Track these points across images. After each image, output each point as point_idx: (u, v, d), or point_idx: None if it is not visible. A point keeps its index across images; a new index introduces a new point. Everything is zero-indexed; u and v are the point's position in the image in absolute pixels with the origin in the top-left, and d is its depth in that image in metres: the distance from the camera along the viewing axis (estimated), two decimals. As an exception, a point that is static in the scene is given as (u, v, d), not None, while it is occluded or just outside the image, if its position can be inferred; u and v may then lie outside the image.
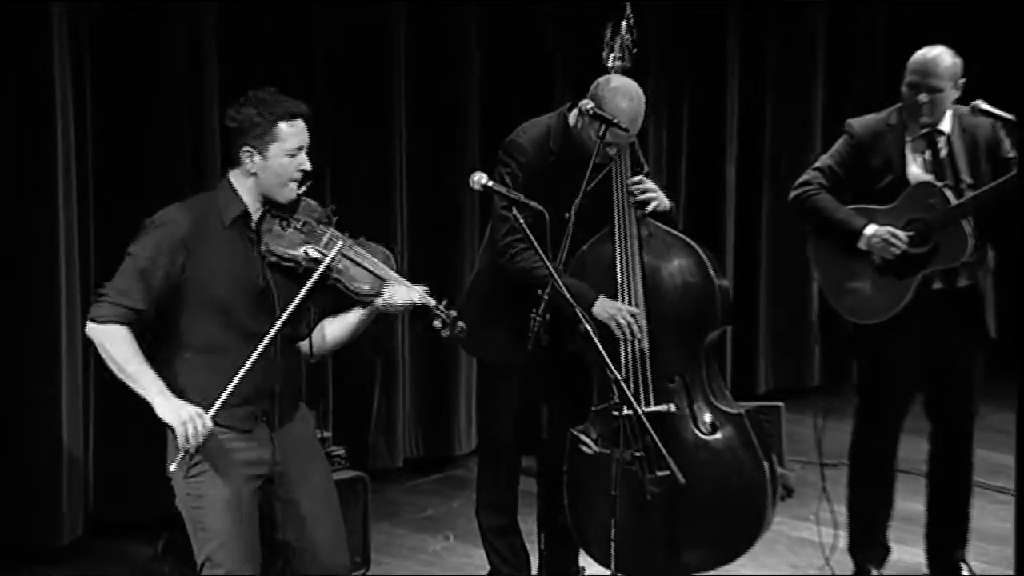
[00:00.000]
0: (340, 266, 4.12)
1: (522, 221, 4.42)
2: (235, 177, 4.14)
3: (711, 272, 5.06)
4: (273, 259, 4.11)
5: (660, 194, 5.04)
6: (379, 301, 4.15)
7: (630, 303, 4.94)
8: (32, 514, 5.76)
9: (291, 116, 4.08)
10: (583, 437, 4.92)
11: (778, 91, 8.24)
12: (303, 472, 4.25)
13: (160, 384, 4.00)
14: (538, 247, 4.38)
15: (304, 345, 4.24)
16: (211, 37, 6.07)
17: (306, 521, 4.23)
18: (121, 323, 4.01)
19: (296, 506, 4.23)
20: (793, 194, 5.39)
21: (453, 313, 4.17)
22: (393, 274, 4.17)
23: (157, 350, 4.09)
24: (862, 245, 5.27)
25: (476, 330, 4.54)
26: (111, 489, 5.99)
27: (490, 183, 4.51)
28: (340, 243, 4.12)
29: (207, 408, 3.98)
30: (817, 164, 5.42)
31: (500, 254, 4.95)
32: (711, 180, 8.07)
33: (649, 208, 4.99)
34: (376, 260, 4.18)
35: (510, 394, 5.12)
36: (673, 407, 5.00)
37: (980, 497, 5.80)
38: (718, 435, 5.05)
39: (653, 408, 4.93)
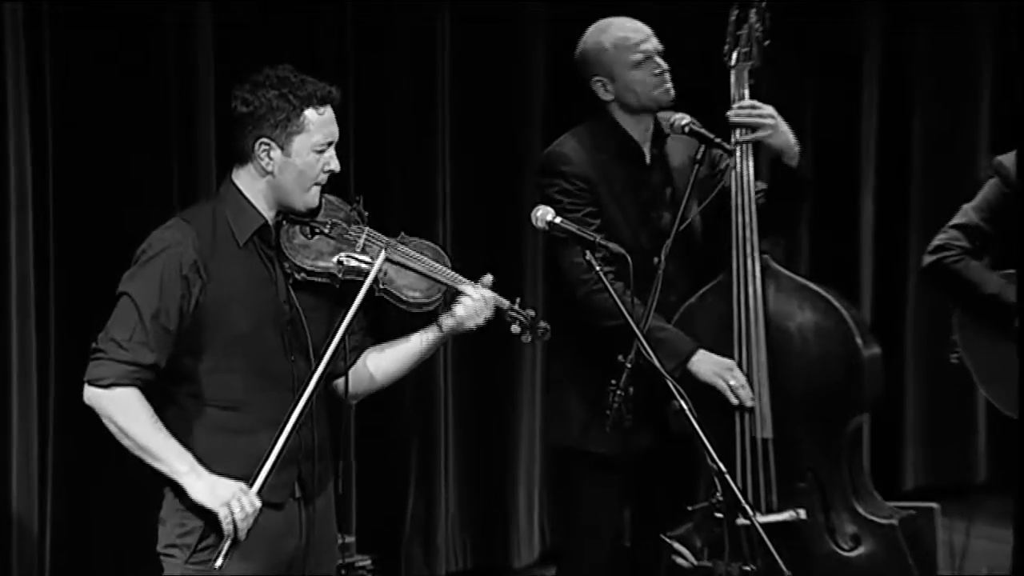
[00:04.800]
0: (386, 274, 3.93)
1: (598, 268, 4.12)
2: (243, 179, 3.85)
3: (856, 336, 4.82)
4: (301, 276, 3.86)
5: (779, 122, 4.75)
6: (449, 321, 3.94)
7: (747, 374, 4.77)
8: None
9: (321, 101, 3.82)
10: (677, 546, 4.63)
11: (930, 102, 7.87)
12: (316, 563, 3.98)
13: (190, 459, 3.77)
14: (617, 299, 4.07)
15: (340, 384, 3.95)
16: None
17: None
18: (130, 385, 3.75)
19: None
20: (928, 261, 5.04)
21: (531, 312, 3.99)
22: (451, 273, 3.97)
23: (157, 407, 3.87)
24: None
25: (553, 410, 4.85)
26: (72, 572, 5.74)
27: (557, 220, 4.23)
28: (381, 244, 3.93)
29: (245, 480, 3.78)
30: (957, 221, 5.04)
31: (576, 305, 4.79)
32: (842, 216, 7.63)
33: (757, 135, 4.72)
34: (425, 258, 3.98)
35: (605, 494, 4.83)
36: (803, 513, 4.71)
37: None
38: (861, 551, 4.82)
39: (776, 517, 4.67)
